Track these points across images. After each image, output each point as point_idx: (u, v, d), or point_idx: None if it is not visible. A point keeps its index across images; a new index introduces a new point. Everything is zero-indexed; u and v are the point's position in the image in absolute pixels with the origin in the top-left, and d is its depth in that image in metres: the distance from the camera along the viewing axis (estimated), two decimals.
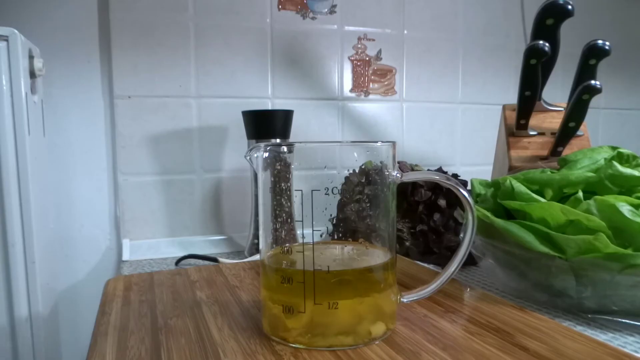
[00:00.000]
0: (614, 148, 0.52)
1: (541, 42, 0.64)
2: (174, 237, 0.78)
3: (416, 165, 0.77)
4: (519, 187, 0.46)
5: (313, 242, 0.32)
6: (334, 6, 0.85)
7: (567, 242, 0.40)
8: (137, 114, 0.75)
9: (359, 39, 0.87)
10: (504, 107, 0.79)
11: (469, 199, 0.34)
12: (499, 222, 0.44)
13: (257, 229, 0.69)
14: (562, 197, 0.45)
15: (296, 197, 0.32)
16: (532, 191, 0.45)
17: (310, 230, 0.32)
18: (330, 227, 0.33)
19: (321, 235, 0.33)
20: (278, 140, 0.68)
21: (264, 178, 0.35)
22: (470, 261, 0.55)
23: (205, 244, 0.77)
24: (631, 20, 1.12)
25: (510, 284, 0.48)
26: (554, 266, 0.41)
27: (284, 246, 0.34)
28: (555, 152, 0.72)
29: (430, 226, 0.63)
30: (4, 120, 0.54)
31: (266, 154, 0.34)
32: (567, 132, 0.69)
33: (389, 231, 0.34)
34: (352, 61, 0.88)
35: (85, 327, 0.75)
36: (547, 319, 0.37)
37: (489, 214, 0.46)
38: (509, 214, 0.47)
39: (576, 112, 0.67)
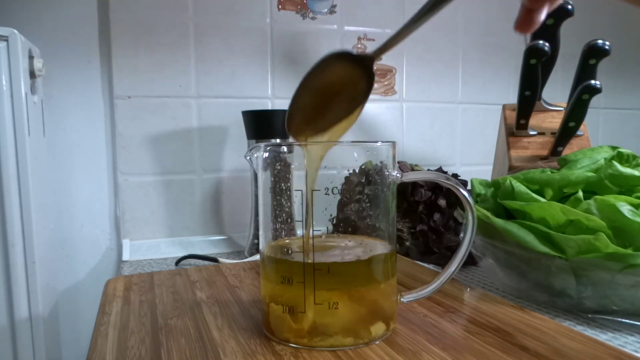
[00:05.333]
0: (614, 148, 0.52)
1: (541, 42, 0.64)
2: (174, 237, 0.78)
3: (416, 165, 0.77)
4: (519, 187, 0.46)
5: (313, 242, 0.32)
6: (334, 6, 0.84)
7: (567, 242, 0.40)
8: (137, 114, 0.75)
9: (359, 39, 0.87)
10: (504, 107, 0.79)
11: (469, 199, 0.34)
12: (499, 222, 0.44)
13: (257, 229, 0.69)
14: (562, 197, 0.45)
15: (296, 197, 0.32)
16: (532, 191, 0.45)
17: (310, 231, 0.32)
18: (330, 227, 0.33)
19: (321, 236, 0.33)
20: (278, 140, 0.68)
21: (264, 178, 0.35)
22: (470, 261, 0.55)
23: (205, 244, 0.77)
24: (631, 20, 1.12)
25: (510, 284, 0.48)
26: (554, 266, 0.41)
27: (284, 246, 0.34)
28: (555, 152, 0.72)
29: (430, 226, 0.63)
30: (4, 120, 0.54)
31: (266, 154, 0.34)
32: (567, 132, 0.69)
33: (389, 231, 0.34)
34: None
35: (85, 327, 0.75)
36: (547, 319, 0.37)
37: (489, 214, 0.46)
38: (509, 214, 0.47)
39: (576, 112, 0.67)
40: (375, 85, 0.89)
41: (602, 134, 1.11)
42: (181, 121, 0.77)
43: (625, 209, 0.39)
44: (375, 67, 0.87)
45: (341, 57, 0.35)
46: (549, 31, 0.67)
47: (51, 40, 0.71)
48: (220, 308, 0.40)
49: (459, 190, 0.34)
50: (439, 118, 0.95)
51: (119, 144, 0.74)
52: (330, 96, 0.35)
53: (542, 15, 0.36)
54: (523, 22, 0.36)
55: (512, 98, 0.98)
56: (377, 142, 0.34)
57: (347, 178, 0.32)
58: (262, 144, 0.34)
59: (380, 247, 0.34)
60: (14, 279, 0.55)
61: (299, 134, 0.34)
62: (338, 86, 0.35)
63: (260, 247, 0.36)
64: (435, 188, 0.64)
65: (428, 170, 0.61)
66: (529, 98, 0.70)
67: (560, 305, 0.44)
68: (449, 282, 0.36)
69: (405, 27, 0.34)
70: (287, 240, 0.34)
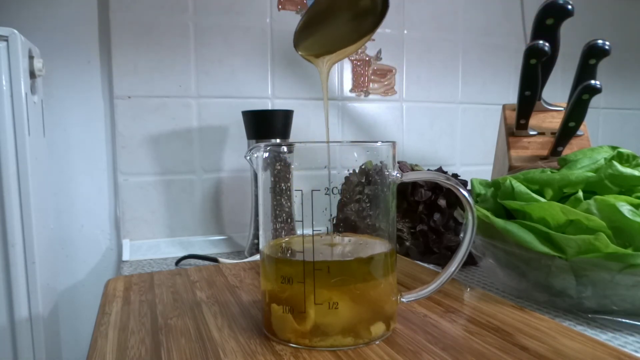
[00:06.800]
0: (614, 148, 0.52)
1: (541, 42, 0.64)
2: (174, 237, 0.78)
3: (416, 165, 0.77)
4: (519, 187, 0.46)
5: (313, 242, 0.32)
6: None
7: (567, 242, 0.40)
8: (137, 114, 0.75)
9: None
10: (504, 107, 0.79)
11: (469, 199, 0.34)
12: (499, 222, 0.44)
13: (257, 229, 0.69)
14: (562, 197, 0.45)
15: (296, 197, 0.32)
16: (532, 191, 0.45)
17: (310, 230, 0.32)
18: (330, 227, 0.33)
19: (321, 236, 0.33)
20: (278, 140, 0.68)
21: (264, 178, 0.35)
22: (470, 261, 0.55)
23: (205, 244, 0.77)
24: (631, 20, 1.12)
25: (510, 284, 0.48)
26: (554, 266, 0.41)
27: (284, 246, 0.34)
28: (555, 152, 0.72)
29: (430, 226, 0.63)
30: (4, 120, 0.54)
31: (266, 154, 0.34)
32: (567, 132, 0.69)
33: (389, 231, 0.34)
34: (352, 61, 0.88)
35: (85, 327, 0.75)
36: (547, 319, 0.37)
37: (489, 214, 0.46)
38: (509, 214, 0.47)
39: (576, 112, 0.67)
40: (376, 86, 0.89)
41: (602, 134, 1.11)
42: (181, 121, 0.77)
43: (625, 209, 0.39)
44: (375, 67, 0.88)
45: None
46: (549, 31, 0.67)
47: (51, 40, 0.71)
48: (220, 308, 0.40)
49: (459, 190, 0.34)
50: (439, 118, 0.95)
51: (119, 144, 0.74)
52: (341, 12, 0.35)
53: None
54: None
55: (512, 98, 0.98)
56: (377, 142, 0.34)
57: (347, 178, 0.32)
58: (262, 144, 0.34)
59: (380, 247, 0.34)
60: (14, 279, 0.55)
61: (303, 45, 0.34)
62: (351, 2, 0.35)
63: (260, 247, 0.36)
64: (435, 188, 0.64)
65: (428, 170, 0.61)
66: (529, 98, 0.70)
67: (560, 305, 0.44)
68: (449, 282, 0.36)
69: None
70: (287, 240, 0.34)
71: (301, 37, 0.35)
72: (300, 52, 0.35)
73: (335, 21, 0.35)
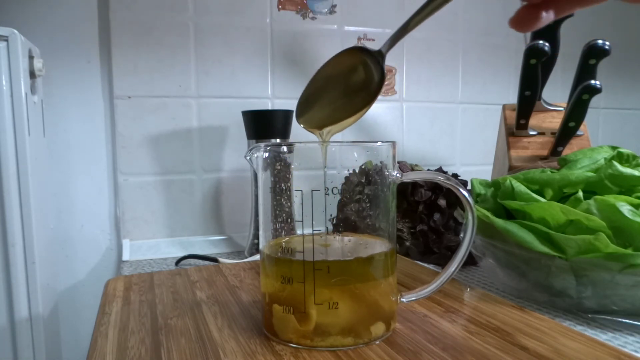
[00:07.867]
0: (614, 148, 0.52)
1: (541, 42, 0.64)
2: (174, 237, 0.78)
3: (416, 165, 0.77)
4: (519, 187, 0.46)
5: (313, 242, 0.32)
6: (334, 6, 0.85)
7: (567, 242, 0.40)
8: (137, 114, 0.75)
9: (359, 39, 0.87)
10: (504, 107, 0.79)
11: (469, 199, 0.34)
12: (499, 222, 0.44)
13: (257, 229, 0.69)
14: (562, 197, 0.45)
15: (296, 197, 0.32)
16: (532, 191, 0.45)
17: (310, 230, 0.32)
18: (330, 227, 0.33)
19: (321, 236, 0.33)
20: (278, 140, 0.68)
21: (264, 178, 0.35)
22: (470, 261, 0.55)
23: (205, 244, 0.77)
24: (631, 20, 1.12)
25: (510, 284, 0.48)
26: (554, 266, 0.41)
27: (284, 246, 0.34)
28: (555, 152, 0.72)
29: (430, 226, 0.63)
30: (4, 120, 0.54)
31: (266, 154, 0.34)
32: (567, 132, 0.69)
33: (389, 231, 0.34)
34: None
35: (85, 327, 0.75)
36: (547, 318, 0.37)
37: (489, 214, 0.46)
38: (509, 214, 0.47)
39: (576, 112, 0.67)
40: None
41: (602, 134, 1.11)
42: (181, 121, 0.77)
43: (625, 209, 0.39)
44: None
45: (353, 51, 0.36)
46: (549, 31, 0.67)
47: (51, 40, 0.71)
48: (220, 308, 0.40)
49: (459, 190, 0.34)
50: (439, 118, 0.95)
51: (119, 144, 0.74)
52: (339, 86, 0.36)
53: (545, 15, 0.31)
54: (521, 19, 0.32)
55: (512, 98, 0.98)
56: (377, 142, 0.34)
57: (347, 178, 0.32)
58: (262, 144, 0.34)
59: (380, 247, 0.34)
60: (14, 279, 0.55)
61: (304, 118, 0.35)
62: (348, 77, 0.36)
63: (260, 247, 0.36)
64: (435, 188, 0.64)
65: (428, 170, 0.61)
66: (529, 98, 0.70)
67: (560, 305, 0.44)
68: (449, 282, 0.36)
69: (412, 18, 0.34)
70: (287, 240, 0.34)
71: (302, 110, 0.36)
72: (302, 125, 0.36)
73: (332, 96, 0.37)
